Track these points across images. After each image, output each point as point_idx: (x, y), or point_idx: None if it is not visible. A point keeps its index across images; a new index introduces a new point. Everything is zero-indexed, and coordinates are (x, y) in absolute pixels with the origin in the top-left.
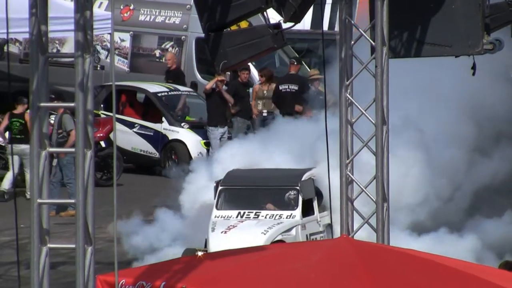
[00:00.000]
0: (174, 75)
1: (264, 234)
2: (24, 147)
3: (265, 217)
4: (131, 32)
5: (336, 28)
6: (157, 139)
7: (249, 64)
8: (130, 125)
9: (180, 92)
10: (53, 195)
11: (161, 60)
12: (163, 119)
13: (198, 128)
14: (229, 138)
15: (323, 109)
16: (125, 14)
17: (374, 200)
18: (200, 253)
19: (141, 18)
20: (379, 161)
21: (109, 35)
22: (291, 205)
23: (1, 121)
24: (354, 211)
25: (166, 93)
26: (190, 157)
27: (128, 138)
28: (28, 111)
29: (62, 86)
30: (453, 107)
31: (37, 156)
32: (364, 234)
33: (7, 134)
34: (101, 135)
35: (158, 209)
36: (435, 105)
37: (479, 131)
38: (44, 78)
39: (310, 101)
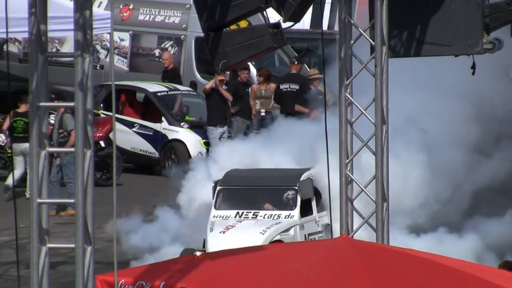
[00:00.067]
0: (171, 75)
1: (263, 234)
2: (28, 145)
3: (264, 217)
4: (130, 32)
5: (336, 28)
6: (156, 138)
7: (249, 63)
8: (130, 125)
9: (179, 92)
10: (53, 195)
11: (160, 60)
12: (163, 118)
13: (197, 127)
14: (229, 137)
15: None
16: (125, 14)
17: (374, 199)
18: (198, 253)
19: (141, 17)
20: (379, 160)
21: (108, 35)
22: (289, 205)
23: (1, 121)
24: (354, 211)
25: (165, 93)
26: (190, 157)
27: (127, 137)
28: None
29: (61, 86)
30: (454, 107)
31: (36, 155)
32: (364, 234)
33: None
34: (101, 134)
35: (157, 209)
36: (436, 105)
37: (480, 131)
38: (43, 77)
39: (310, 101)
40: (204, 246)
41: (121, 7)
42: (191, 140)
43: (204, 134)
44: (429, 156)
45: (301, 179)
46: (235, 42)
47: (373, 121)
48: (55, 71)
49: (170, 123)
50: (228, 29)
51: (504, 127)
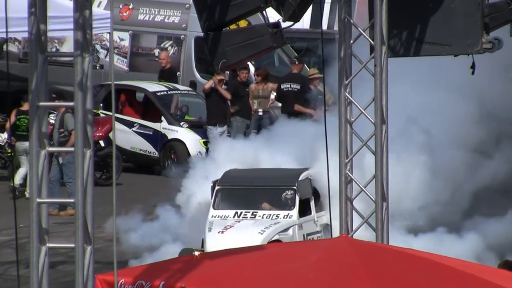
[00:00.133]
0: (168, 74)
1: (261, 234)
2: None
3: (262, 217)
4: (130, 31)
5: (335, 27)
6: (156, 138)
7: (248, 63)
8: (130, 125)
9: (179, 92)
10: (53, 194)
11: (160, 59)
12: (163, 118)
13: (197, 127)
14: (229, 137)
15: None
16: (124, 13)
17: (373, 199)
18: (197, 253)
19: (140, 17)
20: (378, 160)
21: (108, 34)
22: (288, 205)
23: (1, 121)
24: (354, 211)
25: (165, 93)
26: (190, 157)
27: (127, 137)
28: None
29: (61, 86)
30: (455, 107)
31: (36, 155)
32: (364, 234)
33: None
34: (101, 134)
35: (157, 208)
36: (436, 105)
37: (481, 131)
38: (43, 77)
39: (312, 101)
40: (202, 246)
41: (120, 6)
42: (190, 139)
43: (203, 134)
44: (432, 157)
45: (299, 179)
46: (235, 42)
47: (372, 121)
48: (54, 70)
49: (169, 123)
50: (228, 28)
51: (504, 127)
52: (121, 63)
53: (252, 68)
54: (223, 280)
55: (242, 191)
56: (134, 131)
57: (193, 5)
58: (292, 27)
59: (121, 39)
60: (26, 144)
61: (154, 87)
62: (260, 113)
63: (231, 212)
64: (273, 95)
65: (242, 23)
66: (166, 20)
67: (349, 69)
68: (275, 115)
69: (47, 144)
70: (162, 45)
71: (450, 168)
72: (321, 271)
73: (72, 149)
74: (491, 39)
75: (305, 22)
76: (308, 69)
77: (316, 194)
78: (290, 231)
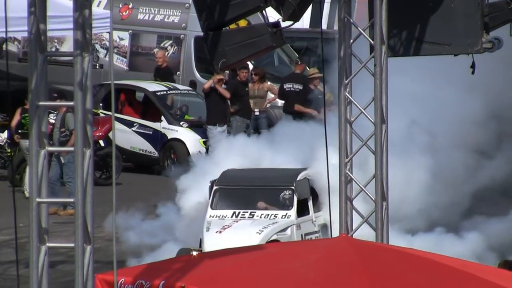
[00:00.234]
0: (164, 73)
1: (259, 234)
2: None
3: (260, 217)
4: (130, 31)
5: (335, 27)
6: (156, 138)
7: (248, 62)
8: (129, 124)
9: (179, 91)
10: (56, 194)
11: (156, 58)
12: (162, 118)
13: (197, 127)
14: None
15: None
16: (124, 13)
17: (373, 199)
18: (194, 253)
19: (140, 16)
20: (378, 160)
21: (108, 34)
22: (286, 205)
23: (1, 120)
24: (353, 210)
25: (165, 92)
26: (189, 156)
27: (127, 137)
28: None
29: (61, 85)
30: (456, 107)
31: (36, 155)
32: (363, 233)
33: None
34: (100, 134)
35: (158, 208)
36: (436, 105)
37: (481, 131)
38: (43, 77)
39: (314, 101)
40: (200, 245)
41: (120, 6)
42: (190, 139)
43: (203, 134)
44: (431, 157)
45: (297, 179)
46: (235, 41)
47: (372, 121)
48: (54, 70)
49: (169, 123)
50: (228, 28)
51: (505, 127)
52: (120, 63)
53: (251, 67)
54: (223, 279)
55: (240, 191)
56: (134, 131)
57: (193, 4)
58: (292, 26)
59: (121, 39)
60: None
61: (154, 86)
62: (257, 113)
63: (229, 212)
64: (271, 95)
65: (242, 23)
66: (165, 20)
67: (349, 68)
68: (274, 114)
69: (47, 143)
70: (162, 44)
71: (450, 168)
72: (321, 271)
73: (72, 148)
74: (491, 39)
75: (304, 21)
76: (308, 69)
77: (314, 194)
78: (288, 231)
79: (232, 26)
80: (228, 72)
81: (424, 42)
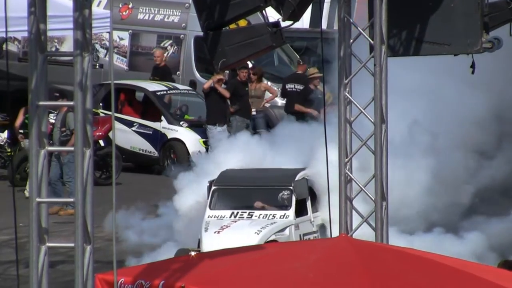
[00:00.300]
0: (162, 72)
1: (258, 234)
2: None
3: (259, 217)
4: (130, 31)
5: (335, 27)
6: (156, 138)
7: (248, 62)
8: (129, 124)
9: (178, 91)
10: (58, 194)
11: (155, 57)
12: (162, 118)
13: (197, 127)
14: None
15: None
16: (124, 13)
17: (373, 199)
18: (193, 253)
19: (140, 16)
20: (378, 159)
21: (108, 34)
22: (284, 205)
23: (1, 120)
24: (353, 210)
25: (165, 92)
26: (189, 156)
27: (127, 137)
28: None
29: (61, 85)
30: (455, 108)
31: (36, 155)
32: (362, 233)
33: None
34: (100, 134)
35: (156, 208)
36: (436, 106)
37: (481, 132)
38: (43, 76)
39: (316, 102)
40: (199, 246)
41: (120, 6)
42: (190, 139)
43: (203, 133)
44: (432, 158)
45: (296, 179)
46: (235, 41)
47: (372, 120)
48: (54, 70)
49: (169, 122)
50: (228, 28)
51: (505, 127)
52: (120, 63)
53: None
54: (223, 279)
55: (239, 191)
56: (134, 131)
57: (193, 4)
58: (292, 26)
59: (121, 39)
60: None
61: (153, 86)
62: (254, 113)
63: (227, 212)
64: (269, 95)
65: (242, 23)
66: (165, 20)
67: (349, 68)
68: (274, 114)
69: (47, 143)
70: (161, 44)
71: (451, 169)
72: (320, 271)
73: (72, 148)
74: (490, 39)
75: (304, 21)
76: (308, 69)
77: (312, 194)
78: (287, 231)
79: (232, 26)
80: (228, 72)
81: (424, 42)
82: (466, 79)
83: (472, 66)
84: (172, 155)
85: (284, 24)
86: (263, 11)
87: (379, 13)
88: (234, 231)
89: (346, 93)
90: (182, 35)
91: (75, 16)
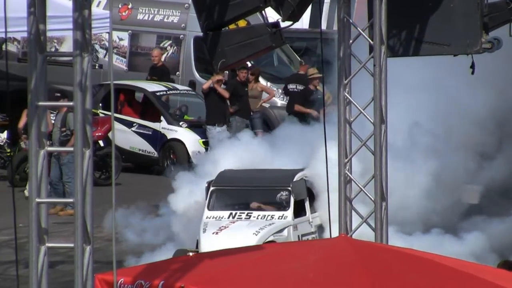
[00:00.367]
0: (160, 72)
1: (256, 235)
2: None
3: (257, 218)
4: (129, 31)
5: (335, 27)
6: (155, 138)
7: (248, 62)
8: (129, 124)
9: (178, 91)
10: (60, 194)
11: (152, 57)
12: (162, 118)
13: (196, 127)
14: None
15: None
16: (124, 13)
17: (373, 199)
18: (191, 254)
19: (140, 17)
20: (378, 160)
21: (107, 34)
22: (282, 206)
23: (1, 120)
24: (353, 210)
25: (164, 92)
26: (189, 156)
27: (126, 137)
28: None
29: (60, 85)
30: (455, 109)
31: (35, 155)
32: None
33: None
34: (100, 134)
35: (156, 208)
36: (437, 107)
37: (481, 133)
38: (42, 77)
39: (317, 102)
40: (197, 247)
41: (120, 6)
42: (190, 139)
43: (203, 134)
44: (432, 160)
45: (294, 179)
46: (234, 42)
47: (371, 121)
48: (54, 70)
49: (169, 123)
50: (227, 28)
51: (505, 128)
52: (120, 63)
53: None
54: (223, 279)
55: (237, 191)
56: (133, 131)
57: (192, 5)
58: (291, 27)
59: (120, 39)
60: None
61: (153, 87)
62: (251, 113)
63: (225, 213)
64: (265, 95)
65: (241, 23)
66: (165, 20)
67: (348, 69)
68: (274, 115)
69: (46, 143)
70: (161, 44)
71: (451, 170)
72: (320, 271)
73: (71, 149)
74: (490, 39)
75: (304, 22)
76: (308, 69)
77: (310, 195)
78: (285, 232)
79: (232, 26)
80: (227, 72)
81: (424, 42)
82: (466, 79)
83: (472, 66)
84: (172, 155)
85: (283, 24)
86: (263, 12)
87: (378, 14)
88: (232, 232)
89: (346, 94)
90: (181, 36)
91: (75, 17)
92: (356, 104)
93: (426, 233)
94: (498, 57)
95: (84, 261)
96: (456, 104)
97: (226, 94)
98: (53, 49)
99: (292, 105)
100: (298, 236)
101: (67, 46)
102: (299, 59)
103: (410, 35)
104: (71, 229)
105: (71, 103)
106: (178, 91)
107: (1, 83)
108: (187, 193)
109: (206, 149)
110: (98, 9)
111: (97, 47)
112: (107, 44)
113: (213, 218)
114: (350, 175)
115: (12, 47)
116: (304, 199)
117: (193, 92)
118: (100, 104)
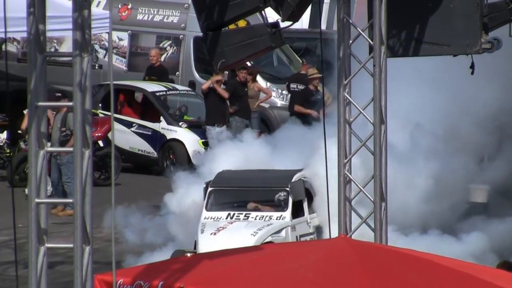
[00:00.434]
0: (158, 72)
1: (254, 235)
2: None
3: (255, 219)
4: (129, 31)
5: (335, 27)
6: (155, 138)
7: (247, 63)
8: (128, 125)
9: (178, 92)
10: (59, 194)
11: (159, 60)
12: (161, 118)
13: (196, 127)
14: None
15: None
16: (123, 13)
17: (372, 199)
18: (189, 255)
19: (139, 17)
20: (377, 160)
21: (107, 34)
22: (281, 206)
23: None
24: (352, 211)
25: (164, 93)
26: (188, 157)
27: (126, 137)
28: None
29: (60, 86)
30: (455, 109)
31: (35, 155)
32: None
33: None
34: (99, 134)
35: (156, 208)
36: (436, 107)
37: (481, 134)
38: (42, 77)
39: (313, 102)
40: (195, 247)
41: (119, 6)
42: (189, 140)
43: (202, 134)
44: (432, 161)
45: (292, 180)
46: (234, 42)
47: (371, 121)
48: (53, 70)
49: (168, 123)
50: (227, 28)
51: (505, 129)
52: (120, 63)
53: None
54: (222, 280)
55: (235, 192)
56: (133, 131)
57: (192, 5)
58: (291, 27)
59: (120, 39)
60: None
61: (153, 87)
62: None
63: (223, 214)
64: (262, 95)
65: (241, 23)
66: (165, 20)
67: (348, 69)
68: (274, 115)
69: (46, 144)
70: (161, 45)
71: (451, 170)
72: (320, 271)
73: (71, 149)
74: (490, 39)
75: (304, 22)
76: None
77: (309, 195)
78: (283, 233)
79: (231, 26)
80: (227, 72)
81: (423, 43)
82: (467, 79)
83: (472, 66)
84: (171, 155)
85: (283, 24)
86: (263, 12)
87: (378, 14)
88: (230, 233)
89: (346, 94)
90: (181, 36)
91: (74, 17)
92: (356, 104)
93: (426, 234)
94: (498, 57)
95: (84, 262)
96: (456, 104)
97: (225, 95)
98: (52, 49)
99: (293, 105)
100: (296, 236)
101: (67, 46)
102: (299, 59)
103: (410, 35)
104: (70, 229)
105: (70, 103)
106: (178, 92)
107: (1, 84)
108: (185, 194)
109: (206, 150)
110: (98, 9)
111: (96, 47)
112: (106, 44)
113: (211, 218)
114: (349, 175)
115: (11, 47)
116: (302, 199)
117: (193, 93)
118: (100, 105)
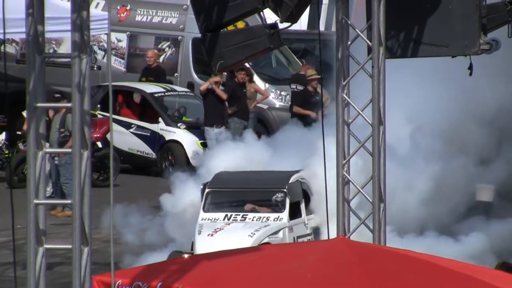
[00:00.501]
0: (155, 73)
1: (251, 236)
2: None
3: (252, 220)
4: (127, 33)
5: (333, 28)
6: (153, 139)
7: (246, 64)
8: (127, 126)
9: (176, 93)
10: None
11: (157, 60)
12: (160, 119)
13: (195, 128)
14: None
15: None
16: (122, 15)
17: (371, 200)
18: (186, 256)
19: (138, 18)
20: (376, 161)
21: (105, 36)
22: (278, 208)
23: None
24: (351, 212)
25: (162, 94)
26: (187, 158)
27: (124, 138)
28: None
29: (59, 87)
30: (455, 110)
31: (33, 156)
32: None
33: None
34: (98, 135)
35: (154, 209)
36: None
37: (481, 134)
38: (40, 78)
39: (312, 103)
40: (192, 248)
41: (118, 8)
42: (188, 141)
43: (201, 135)
44: (432, 163)
45: (290, 181)
46: (232, 43)
47: (370, 122)
48: (52, 72)
49: (167, 124)
50: (225, 29)
51: (505, 129)
52: (118, 64)
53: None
54: (221, 281)
55: (232, 193)
56: (132, 132)
57: (191, 6)
58: (290, 28)
59: (119, 40)
60: None
61: (151, 88)
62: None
63: (221, 215)
64: (259, 96)
65: (240, 24)
66: (163, 21)
67: (347, 70)
68: (272, 116)
69: (45, 145)
70: (159, 46)
71: (451, 171)
72: (318, 272)
73: (69, 150)
74: (488, 40)
75: (302, 23)
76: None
77: (306, 196)
78: (280, 234)
79: (230, 27)
80: (225, 73)
81: (422, 44)
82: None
83: (470, 68)
84: (170, 156)
85: (282, 25)
86: (261, 13)
87: (377, 15)
88: (227, 234)
89: (344, 95)
90: (180, 37)
91: (73, 18)
92: (354, 105)
93: (425, 235)
94: (498, 58)
95: (82, 263)
96: (456, 104)
97: (224, 96)
98: (51, 51)
99: (294, 106)
100: (294, 238)
101: (66, 48)
102: (297, 60)
103: (408, 36)
104: (69, 230)
105: (69, 105)
106: (176, 93)
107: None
108: (183, 195)
109: (205, 151)
110: (97, 11)
111: (95, 48)
112: (105, 45)
113: (208, 220)
114: (348, 176)
115: (10, 49)
116: (299, 201)
117: (191, 94)
118: (99, 106)
